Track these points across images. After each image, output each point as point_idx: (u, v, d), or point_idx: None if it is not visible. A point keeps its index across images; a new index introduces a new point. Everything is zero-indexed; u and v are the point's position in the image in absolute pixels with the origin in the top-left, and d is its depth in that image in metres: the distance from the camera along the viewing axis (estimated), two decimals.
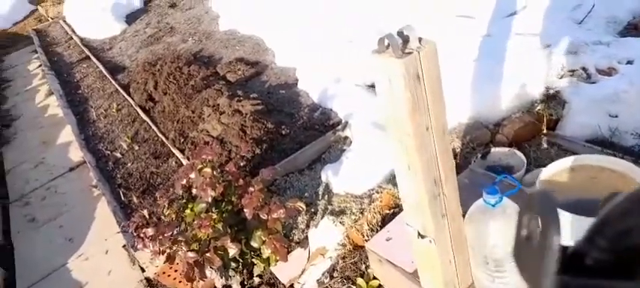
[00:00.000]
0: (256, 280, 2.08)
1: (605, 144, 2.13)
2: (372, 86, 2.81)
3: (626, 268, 0.44)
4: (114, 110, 4.06)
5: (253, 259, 2.06)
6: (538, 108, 2.35)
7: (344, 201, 2.23)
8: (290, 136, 2.97)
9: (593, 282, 0.45)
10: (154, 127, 3.57)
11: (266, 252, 1.94)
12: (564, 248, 0.47)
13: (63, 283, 2.48)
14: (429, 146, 1.16)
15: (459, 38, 2.98)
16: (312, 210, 2.27)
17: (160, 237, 1.85)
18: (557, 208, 0.50)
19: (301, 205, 1.96)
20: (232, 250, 1.86)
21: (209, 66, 4.18)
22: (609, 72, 2.45)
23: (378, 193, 2.19)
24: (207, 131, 3.12)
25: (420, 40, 1.05)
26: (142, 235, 1.92)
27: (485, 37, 2.97)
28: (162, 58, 4.37)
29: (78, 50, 5.86)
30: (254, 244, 1.95)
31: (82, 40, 6.09)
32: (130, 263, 2.46)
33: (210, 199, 1.93)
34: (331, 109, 3.10)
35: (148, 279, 2.34)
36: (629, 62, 2.44)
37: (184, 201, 2.10)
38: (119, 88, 4.37)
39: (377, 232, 1.93)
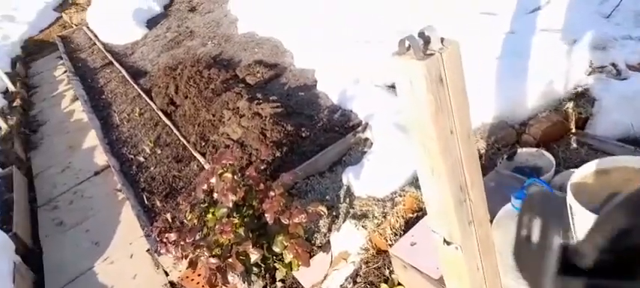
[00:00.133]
0: (279, 285, 2.07)
1: (638, 143, 2.05)
2: (393, 86, 2.78)
3: (626, 268, 0.45)
4: (136, 114, 4.13)
5: (275, 264, 2.05)
6: (566, 106, 2.28)
7: (366, 204, 2.20)
8: (310, 139, 2.95)
9: (593, 282, 0.46)
10: (175, 130, 3.61)
11: (288, 257, 1.93)
12: (564, 248, 0.48)
13: (90, 286, 2.53)
14: (453, 150, 1.12)
15: (481, 35, 2.92)
16: (334, 213, 2.25)
17: (182, 242, 1.86)
18: (560, 209, 0.49)
19: (323, 209, 1.95)
20: (254, 256, 1.85)
21: (228, 69, 4.21)
22: None
23: (400, 196, 2.15)
24: (228, 135, 3.13)
25: (442, 40, 1.01)
26: (164, 240, 1.94)
27: (509, 33, 2.90)
28: (182, 62, 4.42)
29: (101, 56, 5.99)
30: (276, 249, 1.94)
31: (104, 45, 6.22)
32: (154, 267, 2.49)
33: (231, 204, 1.93)
34: (351, 111, 3.07)
35: (172, 283, 2.36)
36: None
37: (206, 205, 2.11)
38: (141, 93, 4.44)
39: (400, 236, 1.90)
